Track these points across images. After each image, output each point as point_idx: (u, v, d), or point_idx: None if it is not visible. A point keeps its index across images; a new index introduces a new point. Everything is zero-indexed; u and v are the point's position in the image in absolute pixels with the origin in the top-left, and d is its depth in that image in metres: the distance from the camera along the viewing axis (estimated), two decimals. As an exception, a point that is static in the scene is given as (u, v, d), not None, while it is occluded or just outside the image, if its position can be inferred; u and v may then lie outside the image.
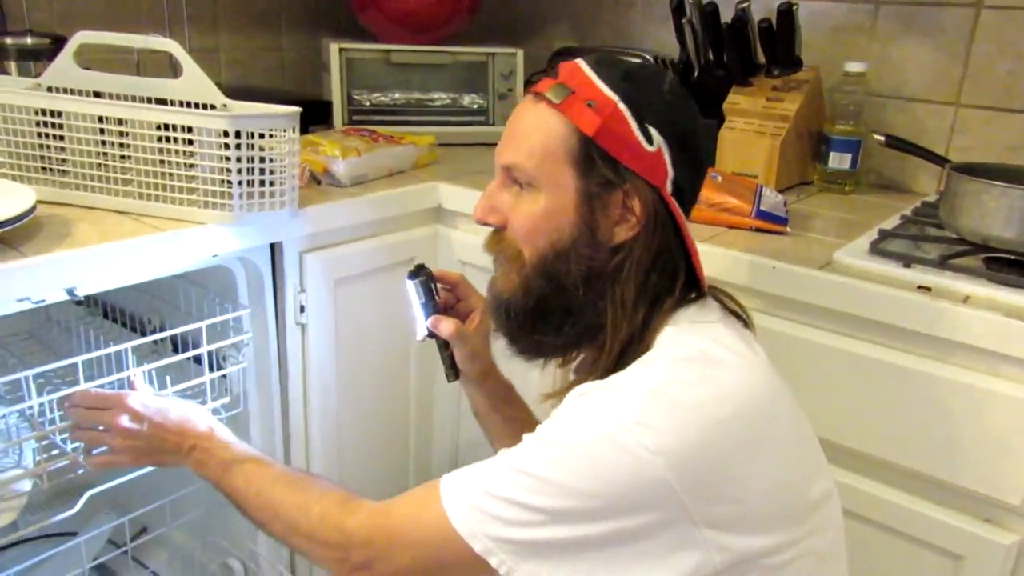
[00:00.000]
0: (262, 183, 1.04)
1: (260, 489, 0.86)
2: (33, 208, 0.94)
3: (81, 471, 1.01)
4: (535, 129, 0.76)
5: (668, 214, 0.77)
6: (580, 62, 0.78)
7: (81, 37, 1.08)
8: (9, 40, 1.24)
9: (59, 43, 1.25)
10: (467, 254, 1.36)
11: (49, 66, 1.12)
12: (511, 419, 1.02)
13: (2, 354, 1.35)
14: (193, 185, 1.03)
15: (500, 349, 0.97)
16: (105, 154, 1.05)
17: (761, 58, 1.41)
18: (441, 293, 0.99)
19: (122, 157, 1.04)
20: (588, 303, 0.78)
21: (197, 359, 1.14)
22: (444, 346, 0.97)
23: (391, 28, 1.68)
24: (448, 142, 1.59)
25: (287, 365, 1.22)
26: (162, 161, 1.03)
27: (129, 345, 1.05)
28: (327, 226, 1.20)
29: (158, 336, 1.12)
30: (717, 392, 0.69)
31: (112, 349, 1.06)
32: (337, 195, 1.24)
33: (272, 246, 1.16)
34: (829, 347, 1.00)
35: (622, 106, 0.74)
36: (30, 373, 0.97)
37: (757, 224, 1.15)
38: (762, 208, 1.16)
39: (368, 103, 1.66)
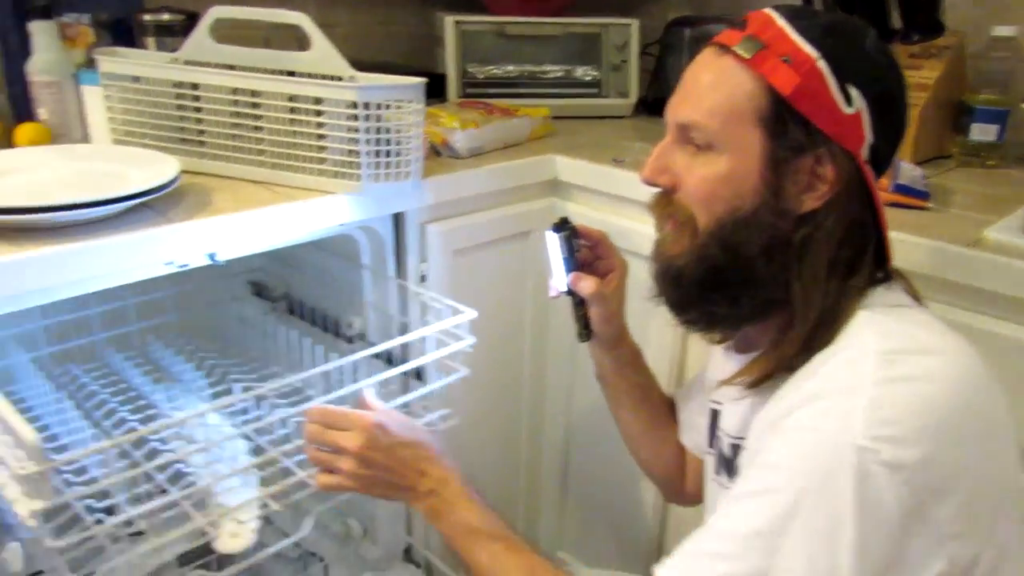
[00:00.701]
0: (388, 153, 1.05)
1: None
2: (177, 177, 0.98)
3: (306, 491, 0.94)
4: (719, 85, 0.72)
5: (861, 183, 0.72)
6: (773, 12, 0.72)
7: (216, 12, 1.11)
8: (147, 16, 1.29)
9: (193, 19, 1.29)
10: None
11: (184, 41, 1.16)
12: (637, 385, 1.01)
13: (200, 356, 1.28)
14: (323, 155, 1.05)
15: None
16: (239, 125, 1.08)
17: (897, 23, 1.33)
18: (582, 250, 0.96)
19: (256, 128, 1.07)
20: (769, 276, 0.73)
21: (390, 360, 1.11)
22: (579, 304, 0.96)
23: (505, 0, 1.67)
24: (560, 115, 1.57)
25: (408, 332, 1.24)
26: (293, 132, 1.06)
27: (358, 357, 0.98)
28: (447, 197, 1.21)
29: (377, 349, 1.02)
30: (943, 387, 0.64)
31: (334, 363, 0.98)
32: (456, 166, 1.25)
33: (395, 216, 1.17)
34: (978, 329, 0.95)
35: (821, 63, 0.69)
36: (266, 391, 0.91)
37: (895, 199, 1.10)
38: (900, 182, 1.10)
39: (481, 76, 1.66)
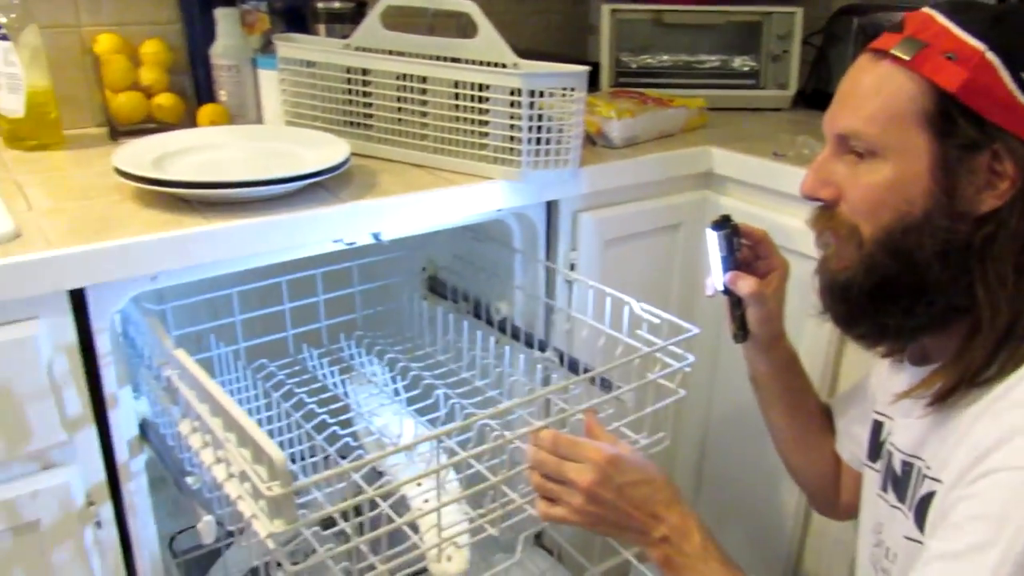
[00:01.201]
0: (548, 141, 1.06)
1: None
2: (348, 158, 1.03)
3: (523, 515, 0.87)
4: (876, 90, 0.70)
5: None
6: (932, 11, 0.70)
7: (388, 0, 1.16)
8: (320, 4, 1.35)
9: (361, 7, 1.35)
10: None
11: (355, 28, 1.21)
12: (792, 389, 0.98)
13: (389, 357, 1.25)
14: (484, 141, 1.07)
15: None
16: (404, 109, 1.12)
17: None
18: (742, 249, 0.95)
19: (421, 113, 1.11)
20: (948, 282, 0.70)
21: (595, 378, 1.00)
22: (737, 304, 0.94)
23: (663, -12, 1.65)
24: (715, 106, 1.54)
25: (552, 317, 1.25)
26: (456, 118, 1.08)
27: (574, 382, 0.94)
28: (601, 186, 1.21)
29: (593, 374, 0.93)
30: None
31: (553, 387, 0.93)
32: (611, 156, 1.25)
33: (548, 203, 1.19)
34: None
35: (990, 55, 0.66)
36: (486, 418, 0.83)
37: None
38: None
39: (634, 65, 1.64)
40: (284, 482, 0.63)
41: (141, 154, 1.00)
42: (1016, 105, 0.66)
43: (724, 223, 0.92)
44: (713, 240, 0.93)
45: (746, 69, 1.63)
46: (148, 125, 1.27)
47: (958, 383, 0.71)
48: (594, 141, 1.29)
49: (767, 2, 1.63)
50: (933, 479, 0.74)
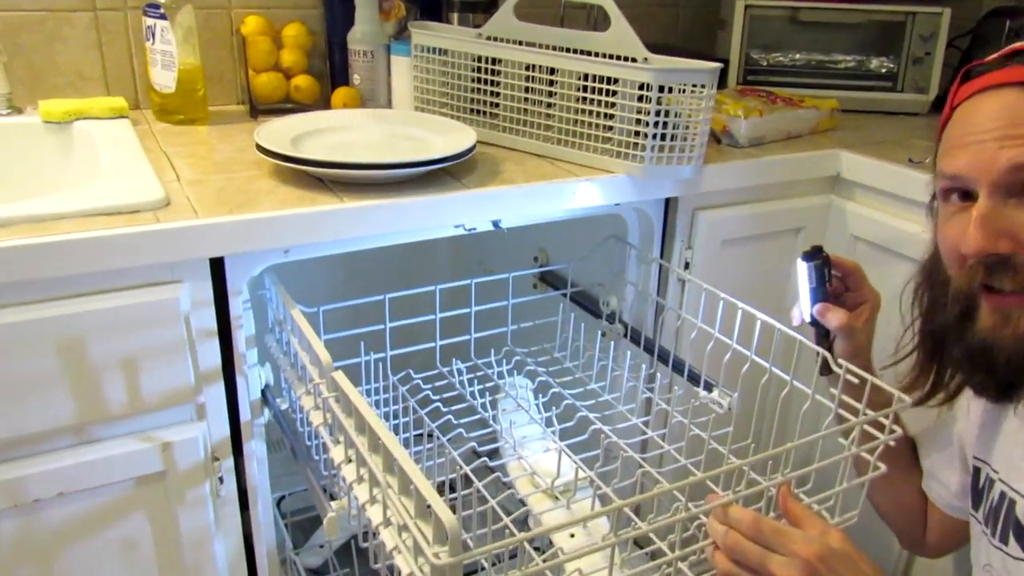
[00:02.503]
0: (673, 137, 1.05)
1: None
2: (474, 146, 1.05)
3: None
4: None
5: None
6: None
7: (522, -10, 1.17)
8: (459, -7, 1.38)
9: (493, -4, 1.37)
10: (861, 228, 1.27)
11: (488, 18, 1.23)
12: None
13: (535, 375, 1.22)
14: (609, 135, 1.07)
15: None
16: (530, 100, 1.13)
17: None
18: (833, 280, 0.92)
19: (548, 104, 1.12)
20: None
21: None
22: (824, 336, 0.91)
23: (801, -16, 1.60)
24: (847, 108, 1.48)
25: (665, 316, 1.24)
26: (582, 110, 1.09)
27: (748, 463, 0.74)
28: (723, 186, 1.19)
29: (777, 451, 0.76)
30: None
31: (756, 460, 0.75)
32: (735, 155, 1.22)
33: (667, 199, 1.17)
34: None
35: None
36: (674, 489, 0.70)
37: None
38: None
39: (765, 62, 1.60)
40: (454, 550, 0.57)
41: (280, 132, 1.05)
42: None
43: (816, 254, 0.90)
44: (803, 270, 0.90)
45: (884, 71, 1.56)
46: (286, 105, 1.33)
47: None
48: (719, 139, 1.27)
49: (912, 1, 1.56)
50: None
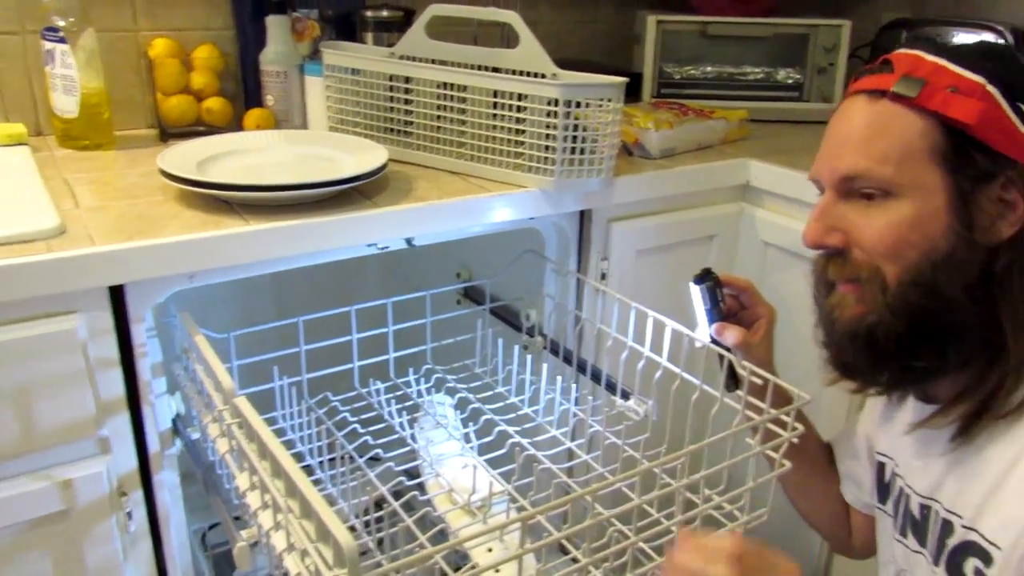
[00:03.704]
0: (582, 151, 1.07)
1: None
2: (385, 164, 1.05)
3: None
4: (883, 130, 0.69)
5: None
6: (918, 51, 0.70)
7: (433, 9, 1.17)
8: (369, 13, 1.38)
9: (409, 15, 1.37)
10: (772, 234, 1.31)
11: (399, 36, 1.23)
12: None
13: (455, 392, 1.20)
14: (520, 150, 1.08)
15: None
16: (444, 118, 1.14)
17: None
18: (727, 299, 0.94)
19: (460, 121, 1.12)
20: (976, 316, 0.69)
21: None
22: (726, 352, 0.93)
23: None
24: (757, 118, 1.52)
25: (584, 327, 1.25)
26: (494, 126, 1.10)
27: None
28: (635, 197, 1.21)
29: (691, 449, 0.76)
30: None
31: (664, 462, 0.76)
32: (646, 167, 1.25)
33: (581, 212, 1.19)
34: None
35: (991, 87, 0.66)
36: (587, 494, 0.68)
37: None
38: None
39: (678, 76, 1.64)
40: (352, 572, 0.56)
41: (186, 156, 1.03)
42: (1018, 134, 0.67)
43: (706, 276, 0.92)
44: (696, 293, 0.92)
45: (790, 81, 1.62)
46: (197, 128, 1.30)
47: (980, 412, 0.69)
48: (631, 151, 1.29)
49: (814, 15, 1.61)
50: (969, 528, 0.72)
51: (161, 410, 0.94)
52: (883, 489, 0.86)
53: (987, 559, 0.69)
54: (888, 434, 0.85)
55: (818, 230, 0.74)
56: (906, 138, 0.68)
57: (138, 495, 0.93)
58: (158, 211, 0.94)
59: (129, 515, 0.92)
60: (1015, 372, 0.68)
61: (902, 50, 0.72)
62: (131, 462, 0.92)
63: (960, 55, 0.69)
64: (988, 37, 1.43)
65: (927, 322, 0.70)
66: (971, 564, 0.71)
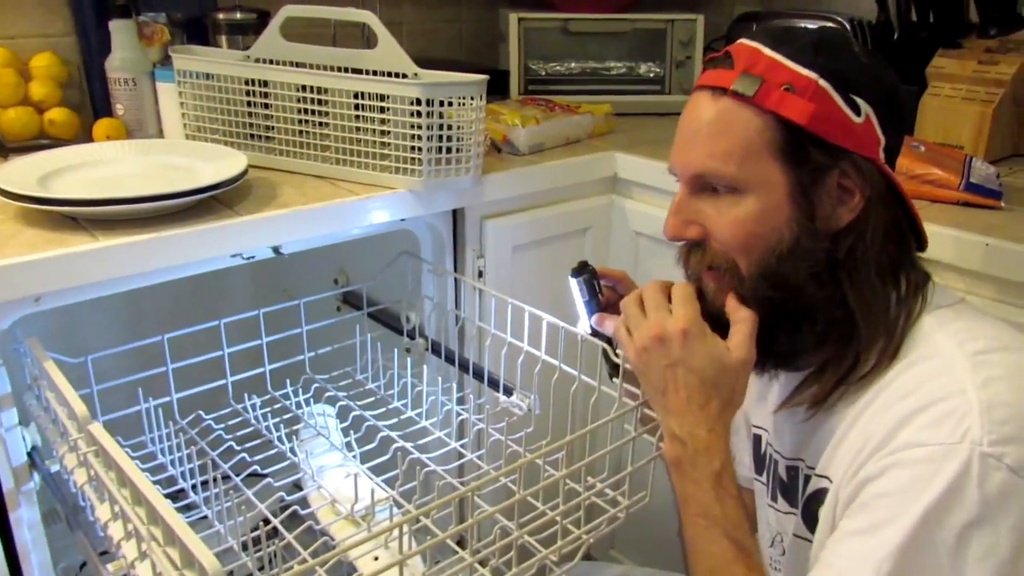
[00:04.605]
0: (449, 150, 1.07)
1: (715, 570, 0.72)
2: (245, 171, 1.01)
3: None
4: (724, 128, 0.71)
5: (885, 182, 0.72)
6: (755, 43, 0.72)
7: (287, 11, 1.14)
8: (221, 15, 1.33)
9: (264, 17, 1.33)
10: (641, 224, 1.34)
11: (256, 39, 1.19)
12: None
13: (335, 399, 1.19)
14: (386, 152, 1.07)
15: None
16: (305, 121, 1.11)
17: (974, 17, 1.29)
18: (604, 291, 0.95)
19: (322, 124, 1.10)
20: (825, 298, 0.72)
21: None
22: (608, 344, 0.95)
23: (568, -4, 1.68)
24: (623, 111, 1.56)
25: (464, 325, 1.25)
26: (357, 128, 1.08)
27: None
28: (507, 193, 1.22)
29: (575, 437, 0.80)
30: None
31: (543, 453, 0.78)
32: (516, 163, 1.26)
33: (454, 211, 1.19)
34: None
35: (823, 82, 0.69)
36: (468, 492, 0.71)
37: (965, 197, 1.06)
38: (972, 180, 1.07)
39: (544, 72, 1.66)
40: None
41: (26, 171, 0.97)
42: (852, 125, 0.70)
43: (582, 269, 0.93)
44: (575, 286, 0.94)
45: (652, 75, 1.67)
46: (41, 141, 1.22)
47: (837, 384, 0.73)
48: (499, 148, 1.30)
49: (670, 10, 1.67)
50: (820, 476, 0.76)
51: (13, 444, 0.87)
52: (760, 460, 0.90)
53: (825, 496, 0.74)
54: (763, 409, 0.89)
55: (676, 224, 0.77)
56: (746, 135, 0.70)
57: (-8, 537, 0.87)
58: (-4, 232, 0.88)
59: (-18, 560, 0.85)
60: (867, 347, 0.72)
61: (744, 40, 0.73)
62: (-19, 503, 0.85)
63: (796, 48, 0.70)
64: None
65: (779, 310, 0.74)
66: (819, 507, 0.75)
